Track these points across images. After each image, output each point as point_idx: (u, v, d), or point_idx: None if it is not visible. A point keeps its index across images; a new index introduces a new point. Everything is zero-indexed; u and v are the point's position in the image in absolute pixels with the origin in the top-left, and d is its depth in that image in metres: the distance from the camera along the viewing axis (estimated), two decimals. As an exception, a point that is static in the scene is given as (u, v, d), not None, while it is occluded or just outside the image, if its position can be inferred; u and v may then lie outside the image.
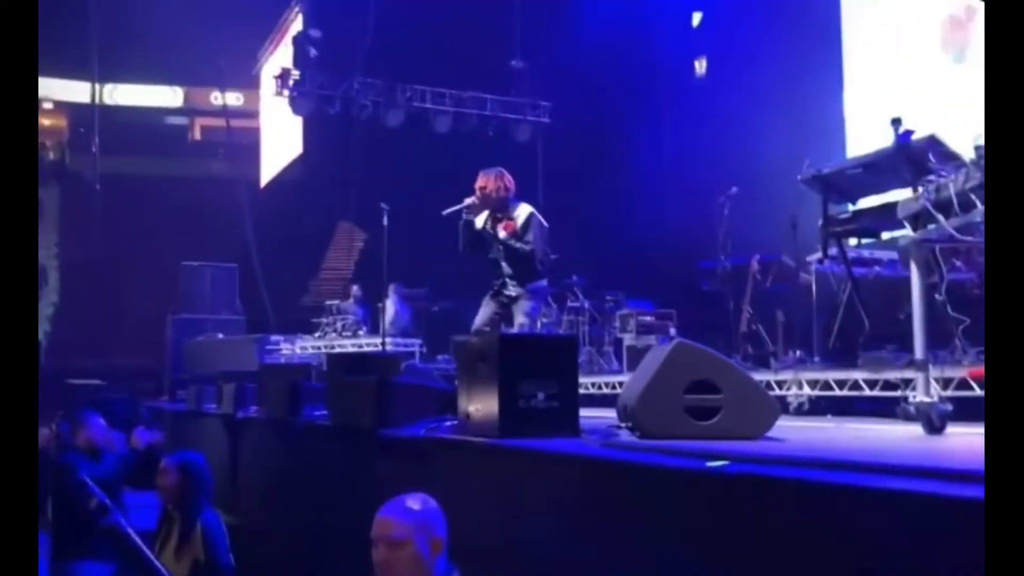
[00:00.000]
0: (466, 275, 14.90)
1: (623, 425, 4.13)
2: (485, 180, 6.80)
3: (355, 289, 15.37)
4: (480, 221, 6.88)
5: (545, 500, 3.46)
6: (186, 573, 4.77)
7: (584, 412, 4.31)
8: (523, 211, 6.82)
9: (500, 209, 6.83)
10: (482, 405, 4.11)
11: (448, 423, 4.66)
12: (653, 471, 2.94)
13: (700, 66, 16.17)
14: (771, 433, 3.88)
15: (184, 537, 4.92)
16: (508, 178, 6.87)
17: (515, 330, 6.64)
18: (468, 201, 6.78)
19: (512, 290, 6.77)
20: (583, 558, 3.19)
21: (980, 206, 3.71)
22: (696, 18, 16.55)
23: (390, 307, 13.83)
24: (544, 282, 6.96)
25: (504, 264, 6.80)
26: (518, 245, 6.71)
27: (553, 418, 3.97)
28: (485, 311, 6.89)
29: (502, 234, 6.77)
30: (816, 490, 2.35)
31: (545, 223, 6.88)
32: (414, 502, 3.07)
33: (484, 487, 3.88)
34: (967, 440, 4.03)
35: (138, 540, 4.67)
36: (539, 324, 7.81)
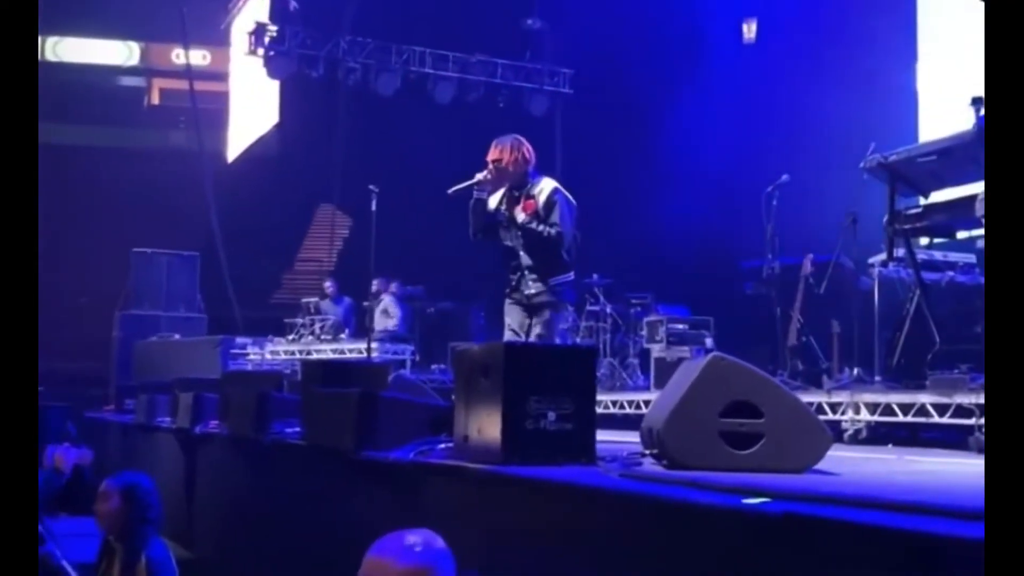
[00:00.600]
0: (468, 272, 15.00)
1: (647, 452, 4.15)
2: (500, 151, 6.67)
3: (328, 285, 15.40)
4: (494, 201, 6.76)
5: (554, 538, 3.48)
6: (128, 613, 4.81)
7: (602, 435, 4.33)
8: (546, 187, 6.68)
9: (518, 185, 6.71)
10: (483, 426, 4.13)
11: (442, 446, 4.68)
12: (681, 508, 2.95)
13: (749, 30, 16.15)
14: (821, 465, 3.89)
15: (126, 572, 4.95)
16: (527, 148, 6.73)
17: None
18: (480, 176, 6.64)
19: (532, 287, 6.64)
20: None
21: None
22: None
23: (391, 308, 13.86)
24: (571, 275, 6.80)
25: (523, 254, 6.68)
26: (540, 228, 6.56)
27: (566, 443, 3.98)
28: (515, 317, 6.74)
29: (521, 216, 6.63)
30: (871, 535, 2.36)
31: (572, 201, 6.74)
32: (416, 541, 2.85)
33: (483, 522, 3.90)
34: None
35: (74, 574, 4.70)
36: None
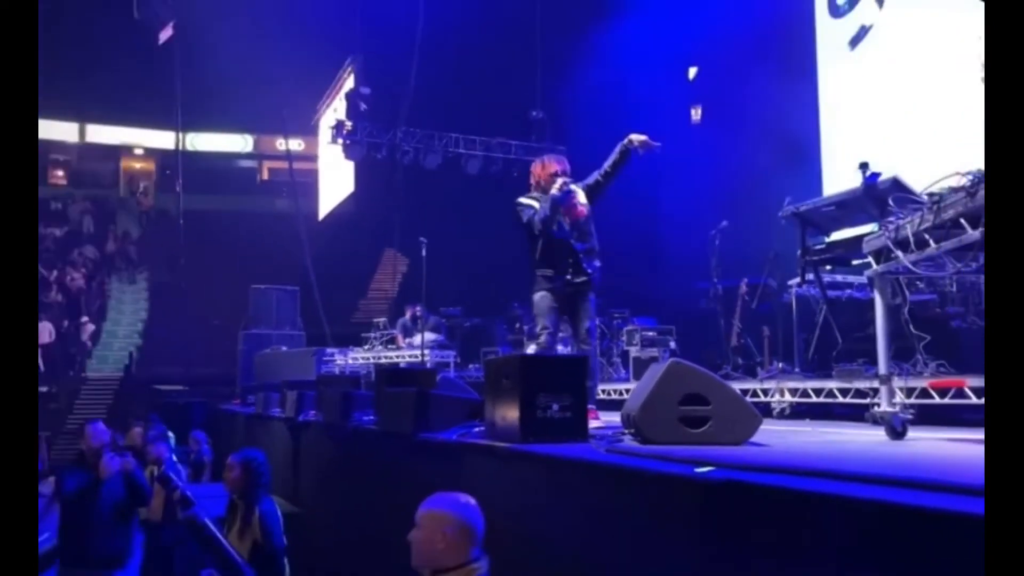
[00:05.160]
0: (491, 294, 14.96)
1: (627, 432, 4.14)
2: (562, 163, 5.94)
3: (417, 310, 14.75)
4: (537, 204, 5.81)
5: (561, 498, 3.47)
6: (247, 551, 4.84)
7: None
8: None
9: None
10: (506, 414, 4.13)
11: (477, 429, 4.68)
12: (651, 475, 2.94)
13: (696, 113, 16.14)
14: (755, 438, 3.87)
15: (245, 522, 4.98)
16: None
17: (584, 328, 5.76)
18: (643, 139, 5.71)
19: (581, 275, 5.76)
20: (595, 547, 3.19)
21: (934, 245, 3.70)
22: (692, 72, 16.59)
23: (436, 326, 13.71)
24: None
25: (579, 243, 5.77)
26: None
27: (566, 426, 3.98)
28: (554, 315, 5.73)
29: (581, 208, 5.79)
30: (794, 497, 2.34)
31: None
32: (456, 498, 3.04)
33: (508, 486, 3.89)
34: (928, 445, 4.01)
35: (212, 528, 4.73)
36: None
